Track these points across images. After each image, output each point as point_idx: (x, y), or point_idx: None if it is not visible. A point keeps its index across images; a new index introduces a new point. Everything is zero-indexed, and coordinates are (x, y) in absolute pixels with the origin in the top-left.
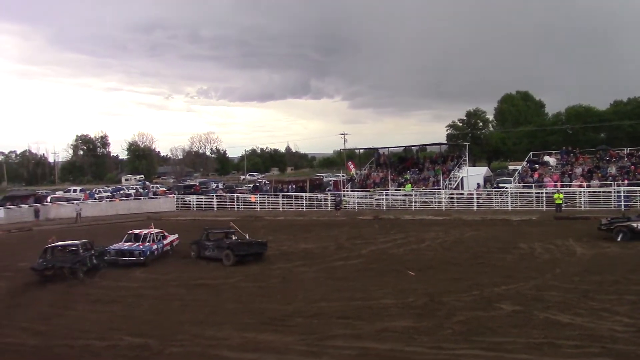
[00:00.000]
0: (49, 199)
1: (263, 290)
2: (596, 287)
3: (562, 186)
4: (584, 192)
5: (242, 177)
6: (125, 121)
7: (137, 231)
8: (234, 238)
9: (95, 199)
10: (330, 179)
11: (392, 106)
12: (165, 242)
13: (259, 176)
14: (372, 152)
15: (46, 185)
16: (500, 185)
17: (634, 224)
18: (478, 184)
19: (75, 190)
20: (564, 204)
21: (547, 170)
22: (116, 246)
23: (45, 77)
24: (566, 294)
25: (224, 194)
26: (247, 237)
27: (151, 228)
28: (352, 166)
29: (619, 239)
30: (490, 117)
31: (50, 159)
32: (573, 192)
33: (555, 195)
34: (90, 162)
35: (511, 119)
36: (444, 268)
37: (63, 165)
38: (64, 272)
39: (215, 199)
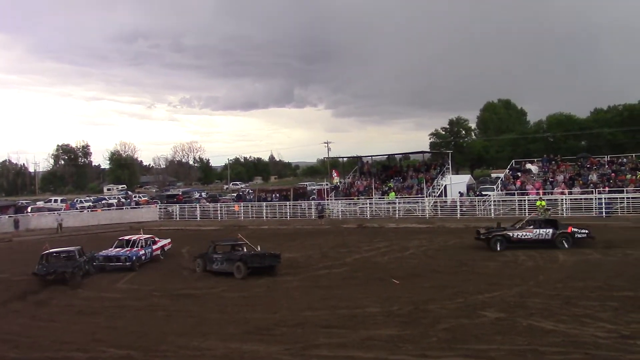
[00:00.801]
0: (29, 209)
1: (247, 300)
2: (579, 294)
3: (544, 193)
4: (565, 199)
5: (225, 187)
6: (107, 130)
7: (127, 237)
8: (243, 250)
9: (76, 209)
10: (314, 187)
11: (375, 114)
12: (155, 247)
13: (243, 185)
14: (355, 161)
15: (27, 195)
16: (483, 192)
17: (510, 233)
18: (460, 192)
19: (56, 201)
20: (549, 212)
21: (529, 178)
22: (104, 252)
23: (25, 87)
24: (549, 301)
25: (207, 204)
26: (259, 248)
27: (140, 234)
28: (335, 175)
29: (498, 249)
30: (473, 125)
31: (31, 169)
32: (555, 200)
33: (538, 203)
34: (72, 172)
35: (493, 127)
36: (429, 276)
37: (44, 175)
38: (65, 276)
39: (198, 209)
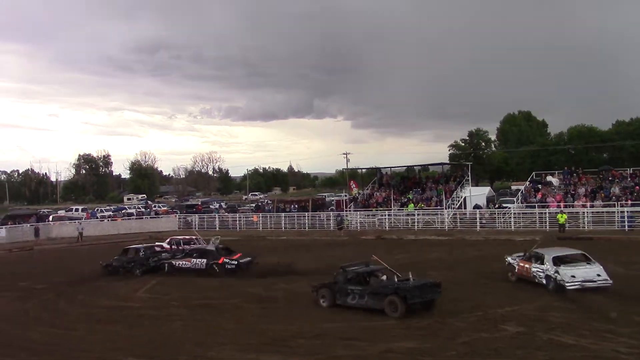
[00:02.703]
0: (50, 218)
1: (265, 310)
2: (600, 308)
3: (565, 206)
4: (587, 212)
5: (244, 197)
6: (128, 140)
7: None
8: (383, 278)
9: (97, 218)
10: (332, 198)
11: (394, 126)
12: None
13: (261, 196)
14: (374, 172)
15: (48, 204)
16: (504, 205)
17: (174, 262)
18: (477, 204)
19: (77, 210)
20: (566, 225)
21: (550, 190)
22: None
23: (49, 97)
24: (570, 315)
25: (226, 214)
26: (411, 276)
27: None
28: (354, 186)
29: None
30: (493, 137)
31: (53, 178)
32: (576, 213)
33: (559, 216)
34: (93, 181)
35: (513, 139)
36: (448, 288)
37: (65, 184)
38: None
39: (217, 219)
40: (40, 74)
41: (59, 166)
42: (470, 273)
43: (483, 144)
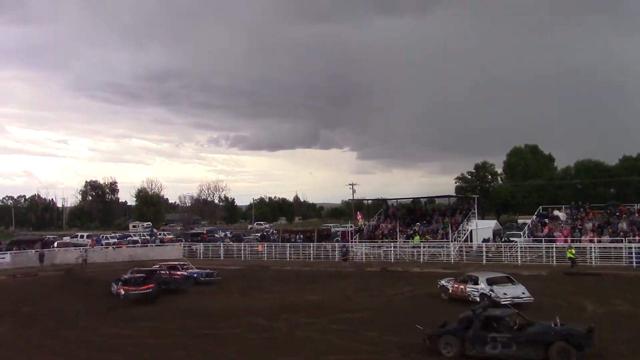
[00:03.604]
0: (55, 244)
1: (268, 341)
2: (608, 346)
3: (572, 241)
4: (594, 247)
5: (249, 226)
6: (134, 168)
7: None
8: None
9: (102, 245)
10: (338, 229)
11: (400, 157)
12: None
13: (267, 225)
14: (380, 203)
15: (54, 230)
16: (511, 239)
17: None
18: (484, 238)
19: (82, 236)
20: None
21: (557, 225)
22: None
23: (57, 123)
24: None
25: (231, 243)
26: (558, 320)
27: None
28: (360, 217)
29: None
30: (499, 170)
31: (59, 204)
32: (583, 248)
33: (567, 251)
34: (99, 208)
35: (520, 173)
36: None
37: (71, 210)
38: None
39: (222, 248)
40: (49, 101)
41: (65, 192)
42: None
43: (489, 176)
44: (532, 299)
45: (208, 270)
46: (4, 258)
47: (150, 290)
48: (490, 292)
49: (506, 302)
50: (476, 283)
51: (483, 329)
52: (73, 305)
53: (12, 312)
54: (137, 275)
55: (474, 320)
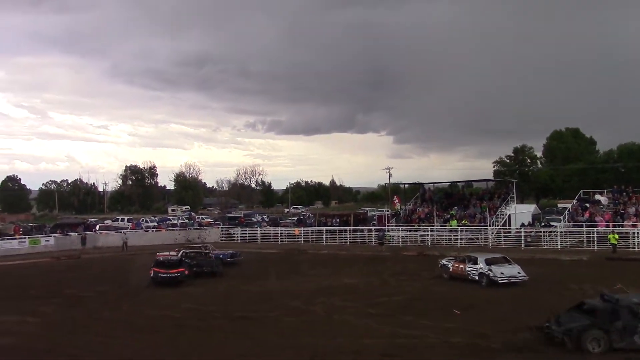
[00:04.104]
0: (97, 227)
1: (306, 324)
2: None
3: (613, 226)
4: (637, 232)
5: (286, 210)
6: (173, 152)
7: None
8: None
9: (142, 228)
10: (374, 213)
11: (437, 141)
12: None
13: (303, 209)
14: (417, 187)
15: (95, 214)
16: (552, 223)
17: None
18: (523, 223)
19: (123, 220)
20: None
21: (598, 209)
22: None
23: (97, 109)
24: None
25: (268, 227)
26: None
27: None
28: (397, 201)
29: None
30: (538, 153)
31: (100, 189)
32: (626, 233)
33: (610, 236)
34: (138, 193)
35: (560, 156)
36: (491, 307)
37: (112, 194)
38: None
39: (259, 231)
40: (89, 87)
41: (106, 177)
42: (514, 292)
43: (528, 160)
44: (527, 277)
45: (231, 251)
46: (48, 241)
47: (178, 274)
48: (489, 272)
49: (503, 281)
50: (475, 263)
51: (634, 318)
52: (116, 287)
53: (57, 294)
54: (172, 258)
55: (620, 309)
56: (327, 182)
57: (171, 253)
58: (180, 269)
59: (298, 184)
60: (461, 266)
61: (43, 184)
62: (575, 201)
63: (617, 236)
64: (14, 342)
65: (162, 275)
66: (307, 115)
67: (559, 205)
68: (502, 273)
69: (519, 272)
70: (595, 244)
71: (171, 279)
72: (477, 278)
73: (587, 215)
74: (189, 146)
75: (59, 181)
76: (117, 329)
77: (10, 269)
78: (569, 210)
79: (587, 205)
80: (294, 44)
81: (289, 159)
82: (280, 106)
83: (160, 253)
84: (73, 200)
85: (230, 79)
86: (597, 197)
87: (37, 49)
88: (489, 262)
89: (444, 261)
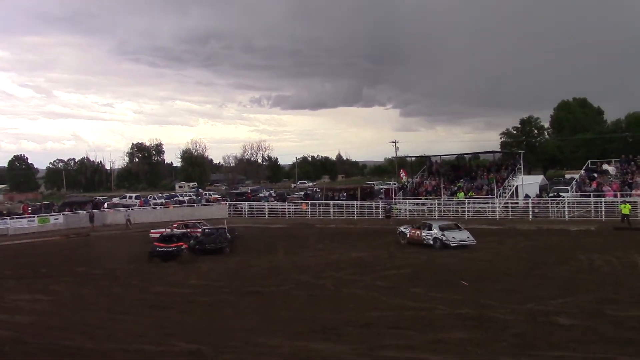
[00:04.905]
0: (105, 205)
1: (314, 298)
2: None
3: (622, 196)
4: None
5: (293, 185)
6: (179, 129)
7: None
8: None
9: (150, 205)
10: (381, 187)
11: (444, 114)
12: None
13: (310, 184)
14: (424, 160)
15: (103, 191)
16: (560, 194)
17: None
18: (527, 194)
19: (130, 197)
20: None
21: (606, 179)
22: None
23: (103, 87)
24: (629, 308)
25: (276, 202)
26: None
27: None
28: (403, 174)
29: None
30: (546, 124)
31: (107, 166)
32: (634, 202)
33: (622, 206)
34: (145, 170)
35: (568, 127)
36: (499, 279)
37: (119, 172)
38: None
39: (266, 207)
40: (94, 65)
41: (113, 154)
42: (522, 263)
43: (536, 131)
44: (475, 241)
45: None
46: (57, 219)
47: (174, 249)
48: (442, 236)
49: (454, 244)
50: (430, 229)
51: None
52: (124, 264)
53: (67, 272)
54: (173, 233)
55: None
56: (333, 157)
57: (166, 230)
58: (178, 244)
59: (305, 158)
60: (417, 232)
61: (50, 163)
62: (582, 171)
63: (629, 206)
64: (28, 319)
65: (158, 250)
66: (313, 89)
67: (567, 176)
68: (453, 237)
69: (468, 237)
70: (603, 213)
71: (166, 253)
72: (431, 242)
73: (594, 185)
74: (194, 123)
75: (66, 160)
76: (127, 306)
77: (21, 247)
78: (577, 180)
79: (595, 175)
80: (300, 18)
81: (295, 134)
82: (285, 81)
83: (154, 230)
84: (80, 179)
85: (235, 54)
86: (605, 167)
87: (42, 29)
88: (442, 228)
89: (401, 228)
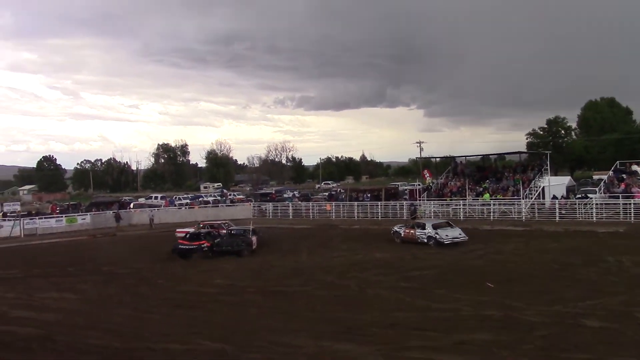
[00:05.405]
0: (131, 205)
1: (338, 299)
2: None
3: None
4: None
5: (317, 186)
6: (203, 130)
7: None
8: None
9: (175, 205)
10: (405, 187)
11: (469, 114)
12: None
13: (334, 184)
14: (448, 161)
15: (129, 192)
16: (588, 195)
17: None
18: (554, 195)
19: (156, 197)
20: None
21: (635, 180)
22: None
23: (128, 89)
24: None
25: (300, 202)
26: None
27: None
28: (428, 175)
29: None
30: (573, 124)
31: (133, 167)
32: None
33: None
34: (171, 170)
35: (596, 127)
36: (525, 280)
37: (145, 173)
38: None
39: (291, 207)
40: (120, 67)
41: (139, 155)
42: (549, 265)
43: (562, 132)
44: (467, 237)
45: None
46: (84, 219)
47: (194, 247)
48: (436, 234)
49: (448, 242)
50: (424, 228)
51: None
52: (151, 264)
53: (94, 271)
54: (198, 232)
55: None
56: (357, 157)
57: (190, 230)
58: (200, 242)
59: (329, 159)
60: (411, 231)
61: (78, 164)
62: (611, 172)
63: None
64: (56, 317)
65: (180, 247)
66: (337, 90)
67: (594, 177)
68: (447, 235)
69: (460, 234)
70: (632, 215)
71: (187, 250)
72: (425, 241)
73: (623, 186)
74: (219, 124)
75: (93, 160)
76: (153, 305)
77: (49, 247)
78: (605, 181)
79: (624, 176)
80: (323, 19)
81: (319, 134)
82: (309, 82)
83: (179, 229)
84: (107, 179)
85: (259, 55)
86: (634, 167)
87: (67, 31)
88: (435, 227)
89: (395, 228)
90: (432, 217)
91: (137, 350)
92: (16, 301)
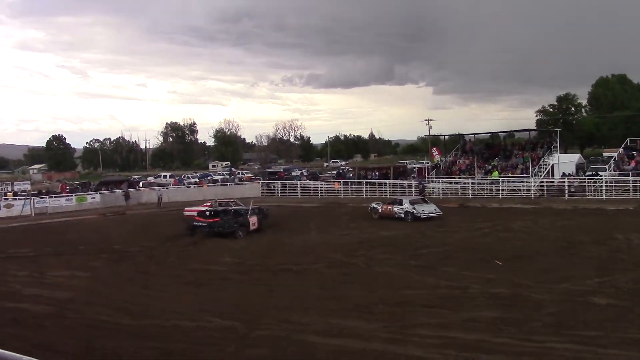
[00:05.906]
0: (140, 184)
1: (347, 277)
2: None
3: None
4: None
5: (325, 164)
6: (211, 108)
7: None
8: None
9: (184, 184)
10: (414, 165)
11: (478, 92)
12: None
13: (343, 163)
14: (457, 139)
15: (138, 171)
16: (599, 172)
17: None
18: (564, 173)
19: (165, 176)
20: None
21: None
22: None
23: (137, 67)
24: None
25: (308, 181)
26: None
27: None
28: (436, 153)
29: None
30: (583, 101)
31: (142, 146)
32: None
33: None
34: (179, 149)
35: (606, 104)
36: (533, 258)
37: (154, 151)
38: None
39: (299, 186)
40: (128, 45)
41: (147, 134)
42: (557, 243)
43: (573, 109)
44: (442, 212)
45: (259, 206)
46: (94, 198)
47: (206, 224)
48: (413, 210)
49: (424, 216)
50: (401, 204)
51: None
52: (161, 242)
53: (105, 249)
54: (213, 209)
55: None
56: (366, 135)
57: (198, 208)
58: (214, 219)
59: (337, 137)
60: (389, 207)
61: (87, 143)
62: (621, 149)
63: None
64: (68, 295)
65: (195, 224)
66: (345, 68)
67: (604, 154)
68: (423, 210)
69: (435, 209)
70: None
71: (199, 227)
72: (402, 216)
73: (633, 164)
74: (227, 102)
75: (102, 139)
76: (163, 283)
77: (59, 225)
78: (615, 159)
79: (634, 153)
80: None
81: (327, 112)
82: (317, 60)
83: (188, 208)
84: (116, 158)
85: (267, 33)
86: None
87: (76, 8)
88: (412, 203)
89: (373, 204)
90: (441, 195)
91: (147, 327)
92: (28, 279)
